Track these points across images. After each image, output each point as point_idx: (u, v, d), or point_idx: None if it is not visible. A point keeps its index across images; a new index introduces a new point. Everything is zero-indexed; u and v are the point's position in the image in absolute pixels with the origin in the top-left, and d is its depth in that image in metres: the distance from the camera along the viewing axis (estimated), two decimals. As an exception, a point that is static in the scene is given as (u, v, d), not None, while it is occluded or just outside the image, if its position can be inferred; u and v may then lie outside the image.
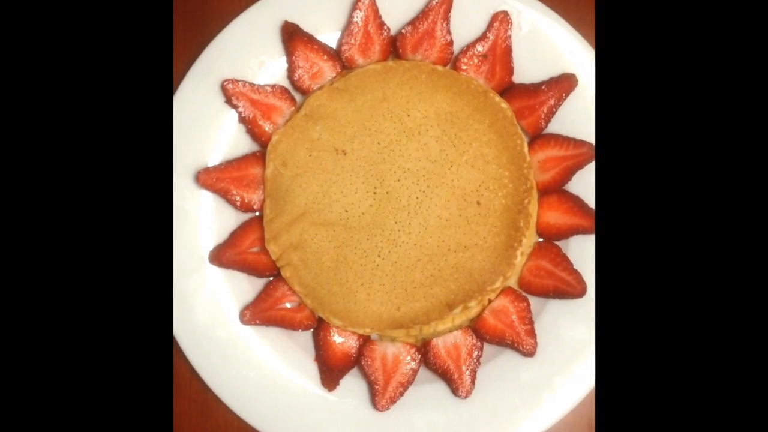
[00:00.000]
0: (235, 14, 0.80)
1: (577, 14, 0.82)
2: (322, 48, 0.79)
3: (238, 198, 0.78)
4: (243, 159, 0.79)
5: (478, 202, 0.76)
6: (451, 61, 0.80)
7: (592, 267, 0.77)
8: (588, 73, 0.78)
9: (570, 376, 0.76)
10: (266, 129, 0.79)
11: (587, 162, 0.76)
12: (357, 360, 0.77)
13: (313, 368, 0.78)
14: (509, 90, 0.79)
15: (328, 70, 0.79)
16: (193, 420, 0.81)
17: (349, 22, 0.78)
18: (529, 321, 0.76)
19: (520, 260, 0.76)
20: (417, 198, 0.76)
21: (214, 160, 0.79)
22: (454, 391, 0.76)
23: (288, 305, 0.78)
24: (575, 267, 0.76)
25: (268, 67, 0.80)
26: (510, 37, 0.78)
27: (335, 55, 0.79)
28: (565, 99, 0.77)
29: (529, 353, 0.76)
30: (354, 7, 0.78)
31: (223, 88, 0.78)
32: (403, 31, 0.78)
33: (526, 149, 0.77)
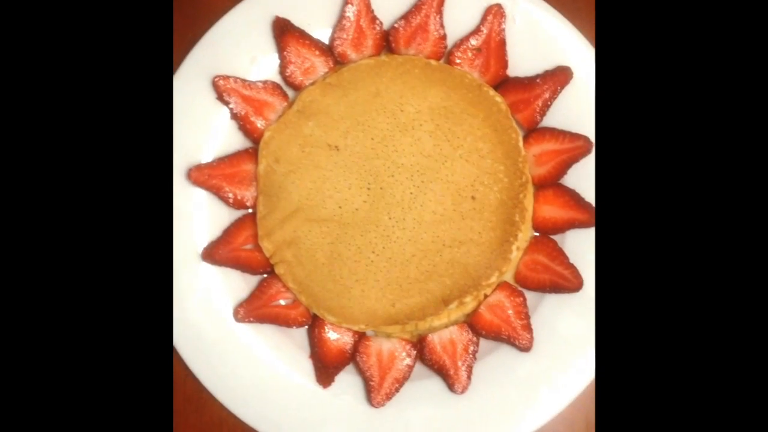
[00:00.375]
0: (226, 10, 0.80)
1: (572, 6, 0.82)
2: (314, 43, 0.79)
3: (230, 195, 0.78)
4: (235, 156, 0.79)
5: (473, 197, 0.76)
6: (445, 55, 0.80)
7: (588, 261, 0.77)
8: (583, 66, 0.78)
9: (567, 370, 0.76)
10: (258, 125, 0.79)
11: (583, 155, 0.77)
12: (352, 356, 0.78)
13: (308, 365, 0.79)
14: (504, 83, 0.79)
15: (320, 65, 0.80)
16: (189, 418, 0.82)
17: (341, 16, 0.79)
18: (525, 316, 0.77)
19: (515, 255, 0.76)
20: (411, 193, 0.76)
21: (206, 157, 0.80)
22: (450, 387, 0.76)
23: (282, 302, 0.79)
24: (571, 261, 0.77)
25: (260, 63, 0.80)
26: (504, 30, 0.79)
27: (327, 51, 0.80)
28: (561, 92, 0.78)
29: (526, 348, 0.76)
30: (346, 2, 0.78)
31: (215, 85, 0.78)
32: (395, 25, 0.79)
33: (521, 143, 0.77)
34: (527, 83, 0.78)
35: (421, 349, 0.77)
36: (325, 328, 0.77)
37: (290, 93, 0.81)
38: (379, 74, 0.78)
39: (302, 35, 0.79)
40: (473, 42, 0.79)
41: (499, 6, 0.78)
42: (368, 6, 0.79)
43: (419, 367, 0.78)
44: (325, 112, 0.78)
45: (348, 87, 0.78)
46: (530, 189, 0.78)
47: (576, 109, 0.78)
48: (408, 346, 0.77)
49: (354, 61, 0.80)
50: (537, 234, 0.79)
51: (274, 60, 0.80)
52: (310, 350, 0.79)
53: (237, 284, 0.80)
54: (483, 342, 0.78)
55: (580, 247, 0.78)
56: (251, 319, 0.78)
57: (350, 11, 0.78)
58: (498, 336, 0.76)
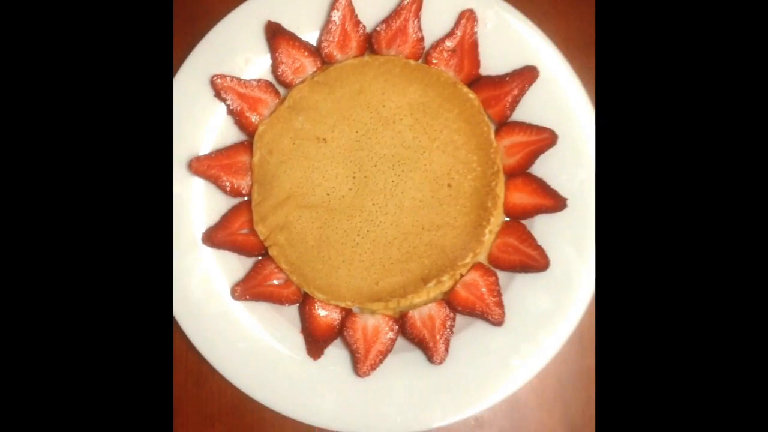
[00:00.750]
0: (222, 15, 0.81)
1: (539, 11, 0.84)
2: (303, 45, 0.80)
3: (228, 184, 0.79)
4: (232, 148, 0.80)
5: (449, 185, 0.77)
6: (423, 55, 0.81)
7: (555, 243, 0.78)
8: (548, 65, 0.79)
9: (535, 343, 0.77)
10: (253, 120, 0.80)
11: (549, 146, 0.78)
12: (340, 331, 0.79)
13: (299, 339, 0.79)
14: (476, 81, 0.80)
15: (309, 65, 0.81)
16: (190, 389, 0.83)
17: (328, 20, 0.80)
18: (497, 293, 0.78)
19: (488, 238, 0.77)
20: (393, 182, 0.78)
21: (205, 149, 0.80)
22: (430, 359, 0.78)
23: (275, 282, 0.79)
24: (539, 243, 0.78)
25: (254, 63, 0.81)
26: (476, 33, 0.80)
27: (315, 52, 0.81)
28: (528, 89, 0.79)
29: (498, 323, 0.78)
30: (332, 7, 0.79)
31: (213, 83, 0.79)
32: (377, 28, 0.80)
33: (492, 136, 0.78)
34: (498, 81, 0.79)
35: (402, 324, 0.78)
36: (315, 305, 0.78)
37: (282, 90, 0.82)
38: (363, 73, 0.79)
39: (292, 38, 0.80)
40: (448, 44, 0.80)
41: (471, 11, 0.79)
42: (352, 11, 0.80)
43: (401, 341, 0.79)
44: (314, 107, 0.79)
45: (334, 85, 0.79)
46: (501, 178, 0.78)
47: (542, 105, 0.79)
48: (391, 322, 0.78)
49: (340, 61, 0.80)
50: (508, 219, 0.80)
51: (267, 60, 0.81)
52: (301, 325, 0.80)
53: (234, 266, 0.80)
54: (459, 317, 0.78)
55: (548, 231, 0.78)
56: (247, 297, 0.79)
57: (336, 16, 0.79)
58: (473, 312, 0.77)
